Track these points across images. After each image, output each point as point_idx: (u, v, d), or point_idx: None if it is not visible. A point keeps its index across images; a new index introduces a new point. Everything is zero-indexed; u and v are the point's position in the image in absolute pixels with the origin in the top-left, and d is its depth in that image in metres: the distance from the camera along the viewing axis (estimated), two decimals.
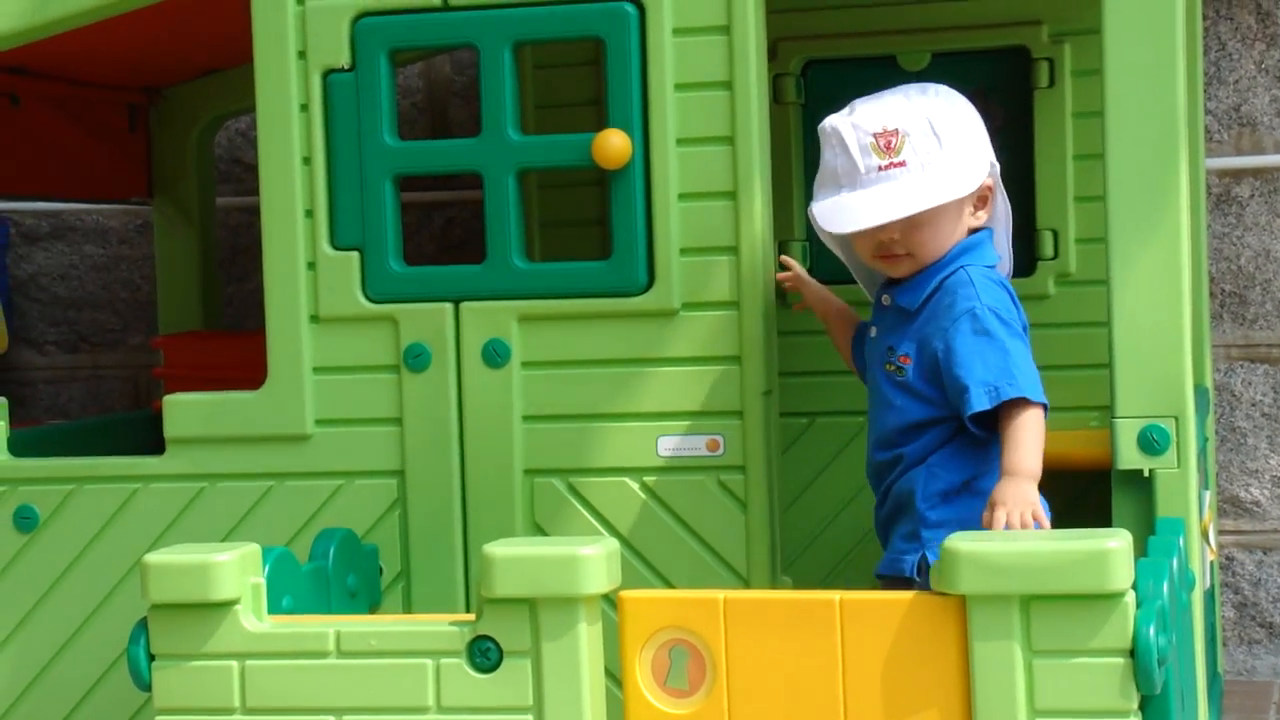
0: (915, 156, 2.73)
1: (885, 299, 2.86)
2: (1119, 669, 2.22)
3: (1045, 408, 2.71)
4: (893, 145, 2.73)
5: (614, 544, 2.45)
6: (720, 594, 2.41)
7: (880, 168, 2.73)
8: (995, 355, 2.69)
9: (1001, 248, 2.89)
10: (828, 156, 2.79)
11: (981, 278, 2.76)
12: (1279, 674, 4.32)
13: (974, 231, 2.84)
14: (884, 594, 2.34)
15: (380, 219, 3.04)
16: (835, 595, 2.35)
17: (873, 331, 2.89)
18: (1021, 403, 2.67)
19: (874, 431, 2.85)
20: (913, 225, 2.74)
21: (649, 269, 2.96)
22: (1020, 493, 2.63)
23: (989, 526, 2.60)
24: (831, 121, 2.79)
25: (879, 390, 2.83)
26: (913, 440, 2.77)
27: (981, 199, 2.83)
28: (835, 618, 2.34)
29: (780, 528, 3.01)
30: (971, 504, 2.74)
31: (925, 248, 2.77)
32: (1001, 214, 2.89)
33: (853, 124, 2.75)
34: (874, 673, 2.31)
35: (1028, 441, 2.67)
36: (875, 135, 2.73)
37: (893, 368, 2.80)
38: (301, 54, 3.04)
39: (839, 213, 2.76)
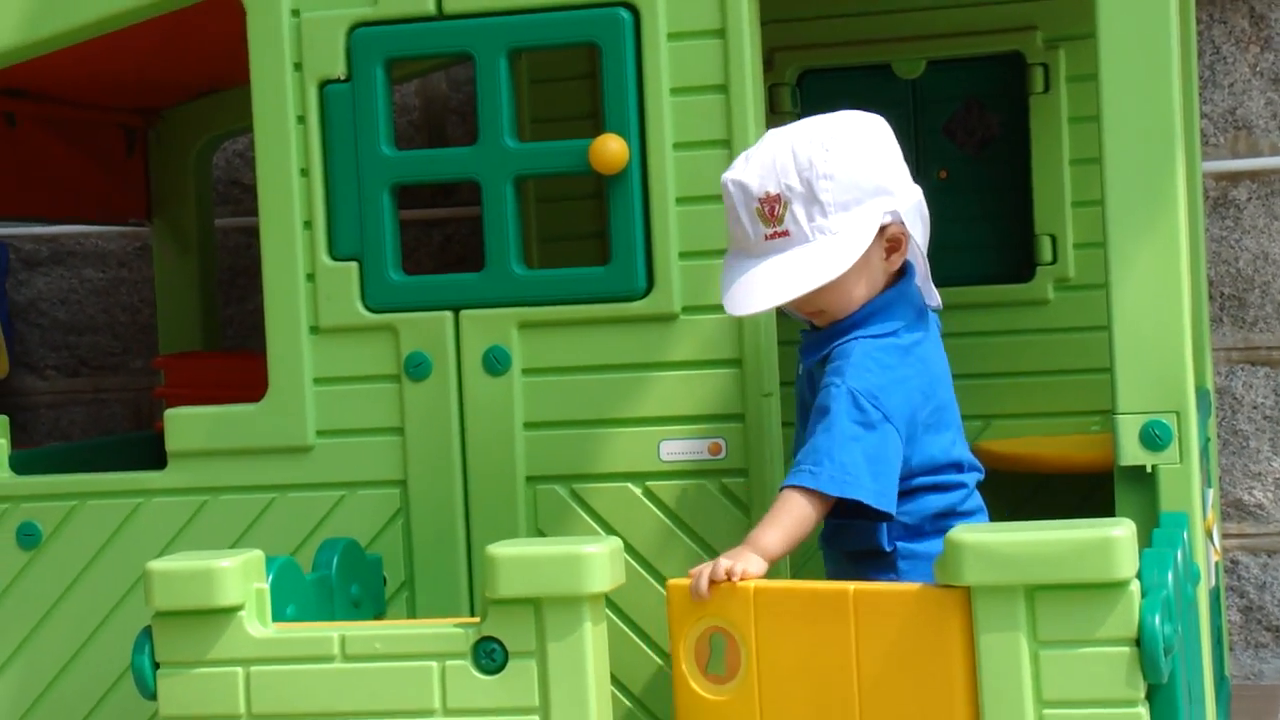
0: (797, 226, 2.60)
1: (801, 342, 2.78)
2: (1125, 658, 2.22)
3: (829, 500, 2.55)
4: (775, 212, 2.60)
5: (617, 543, 2.46)
6: (752, 583, 2.44)
7: (767, 236, 2.61)
8: (821, 437, 2.57)
9: (923, 283, 2.78)
10: (728, 215, 2.68)
11: (862, 355, 2.62)
12: None
13: (893, 276, 2.72)
14: (893, 585, 2.34)
15: (379, 229, 3.04)
16: (850, 586, 2.37)
17: (800, 368, 2.79)
18: (807, 490, 2.55)
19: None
20: (811, 293, 2.62)
21: (648, 274, 2.96)
22: (742, 555, 2.50)
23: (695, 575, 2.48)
24: (726, 179, 2.66)
25: (802, 430, 2.71)
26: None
27: (893, 242, 2.68)
28: (849, 608, 2.35)
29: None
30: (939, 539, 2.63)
31: (834, 307, 2.67)
32: (918, 255, 2.76)
33: (740, 186, 2.63)
34: (885, 663, 2.32)
35: (781, 523, 2.54)
36: (760, 201, 2.61)
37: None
38: (298, 65, 3.05)
39: (734, 292, 2.64)
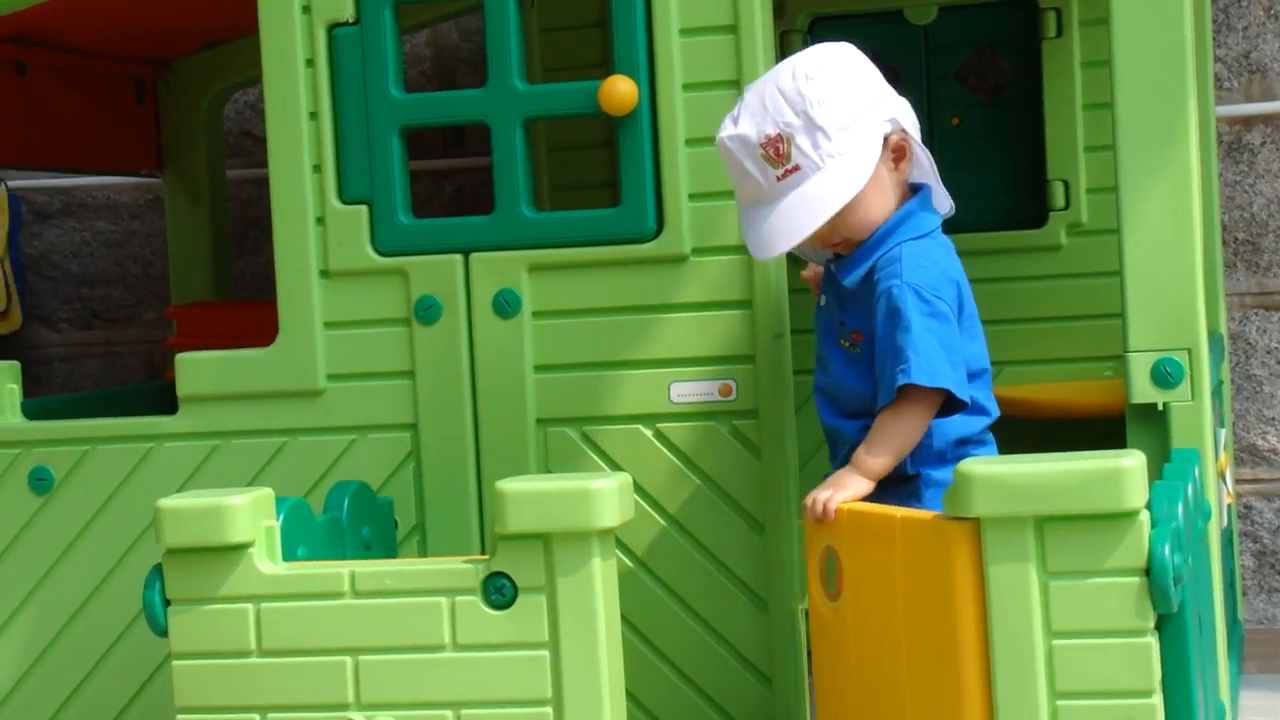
0: (805, 158, 2.62)
1: (832, 267, 2.79)
2: (1135, 588, 2.22)
3: (942, 390, 2.61)
4: (781, 151, 2.62)
5: (626, 478, 2.46)
6: (845, 505, 2.51)
7: (779, 177, 2.63)
8: (900, 338, 2.61)
9: (937, 188, 2.80)
10: (733, 174, 2.70)
11: (912, 254, 2.67)
12: None
13: (906, 189, 2.75)
14: (917, 513, 2.35)
15: (388, 172, 3.03)
16: (897, 512, 2.40)
17: (822, 300, 2.81)
18: (910, 390, 2.59)
19: (834, 398, 2.76)
20: (835, 218, 2.65)
21: (658, 215, 2.96)
22: (842, 481, 2.59)
23: (809, 505, 2.58)
24: (723, 138, 2.68)
25: (836, 360, 2.76)
26: (853, 422, 2.72)
27: (898, 151, 2.71)
28: (895, 534, 2.39)
29: (799, 476, 3.00)
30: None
31: (858, 229, 2.69)
32: (922, 156, 2.77)
33: (740, 140, 2.65)
34: (913, 590, 2.33)
35: (885, 439, 2.61)
36: (763, 146, 2.63)
37: (847, 343, 2.74)
38: (306, 9, 3.04)
39: (761, 237, 2.66)
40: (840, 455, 2.75)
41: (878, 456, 2.61)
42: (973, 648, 2.25)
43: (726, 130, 2.68)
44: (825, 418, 2.78)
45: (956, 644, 2.25)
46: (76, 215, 5.01)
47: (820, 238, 2.69)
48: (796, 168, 2.62)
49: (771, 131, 2.62)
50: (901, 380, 2.59)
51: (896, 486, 2.68)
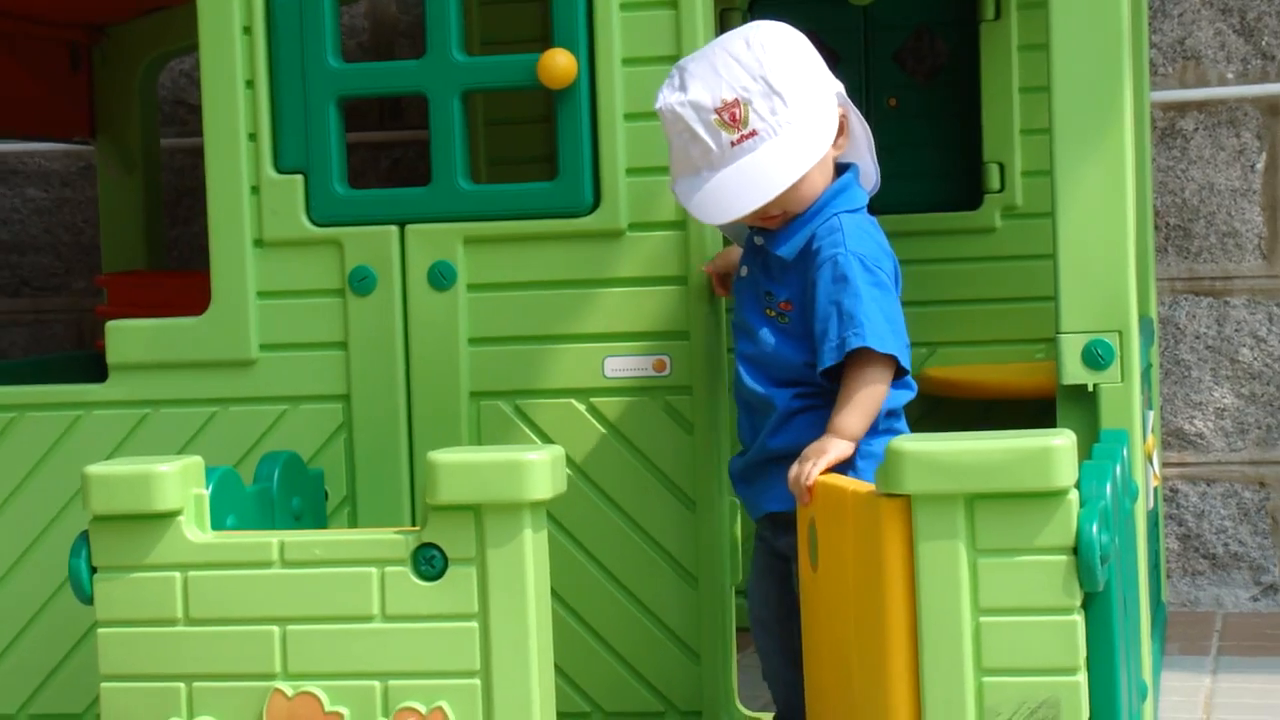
0: (764, 122, 2.62)
1: (758, 240, 2.77)
2: (1062, 566, 2.23)
3: (894, 357, 2.64)
4: (738, 117, 2.62)
5: (559, 450, 2.45)
6: (821, 477, 2.51)
7: (733, 143, 2.63)
8: (849, 303, 2.63)
9: (867, 166, 2.81)
10: (676, 142, 2.67)
11: (852, 225, 2.69)
12: (1221, 604, 4.35)
13: (839, 167, 2.77)
14: (865, 487, 2.36)
15: (324, 142, 3.02)
16: (849, 485, 2.41)
17: (743, 270, 2.80)
18: (864, 354, 2.61)
19: (763, 367, 2.75)
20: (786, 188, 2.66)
21: (595, 189, 2.96)
22: (822, 447, 2.59)
23: (792, 479, 2.58)
24: (668, 104, 2.66)
25: (764, 330, 2.74)
26: (811, 381, 2.71)
27: (839, 127, 2.73)
28: (847, 506, 2.40)
29: (731, 453, 3.01)
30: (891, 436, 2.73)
31: (799, 201, 2.70)
32: (860, 133, 2.79)
33: (691, 105, 2.63)
34: (859, 562, 2.34)
35: (857, 402, 2.63)
36: (717, 111, 2.62)
37: (774, 313, 2.74)
38: None
39: (712, 202, 2.65)
40: (765, 425, 2.73)
41: (851, 418, 2.62)
42: (901, 622, 2.26)
43: (673, 94, 2.66)
44: (753, 386, 2.75)
45: (886, 618, 2.26)
46: (7, 182, 4.96)
47: (761, 209, 2.68)
48: (754, 133, 2.63)
49: (728, 96, 2.63)
50: (856, 343, 2.61)
51: None
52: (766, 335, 2.74)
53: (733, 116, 2.62)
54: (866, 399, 2.63)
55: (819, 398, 2.70)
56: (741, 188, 2.64)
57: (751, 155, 2.63)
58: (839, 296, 2.64)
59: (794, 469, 2.58)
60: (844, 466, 2.65)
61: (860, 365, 2.63)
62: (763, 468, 2.74)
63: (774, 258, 2.74)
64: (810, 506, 2.53)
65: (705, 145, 2.64)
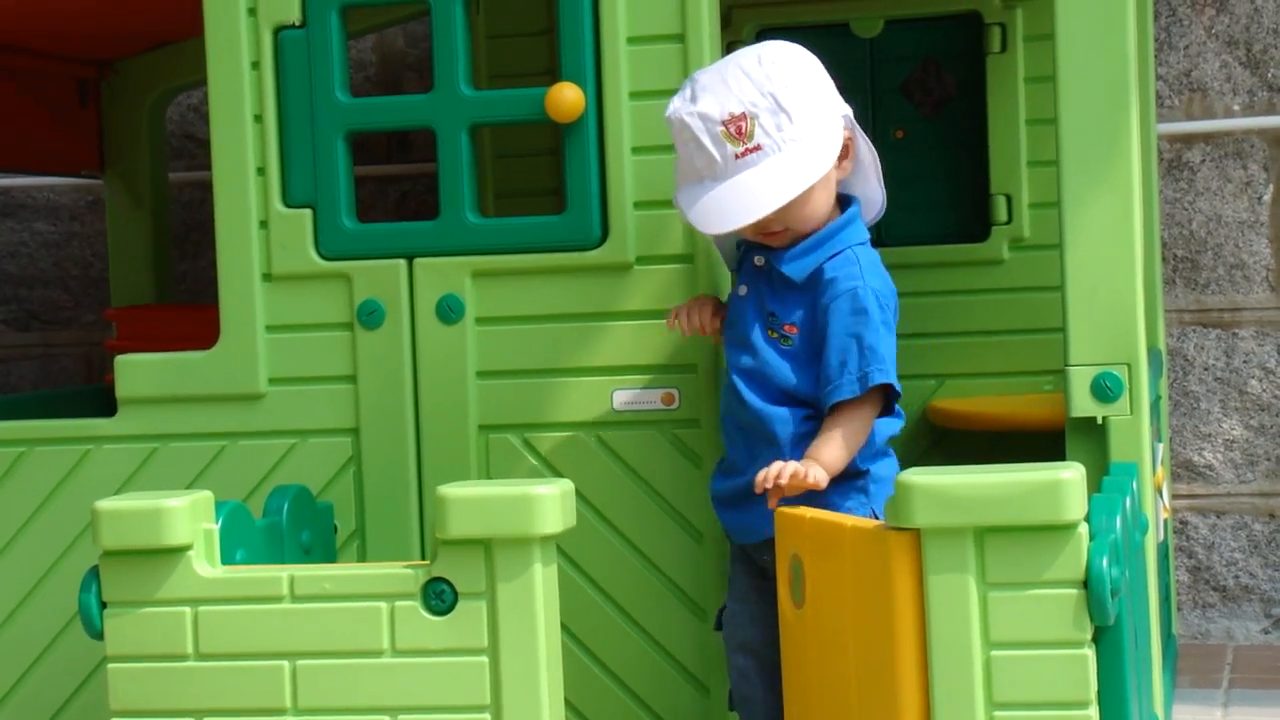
0: (769, 138, 2.65)
1: (759, 260, 2.77)
2: (1073, 600, 2.23)
3: (899, 395, 2.72)
4: (744, 130, 2.65)
5: (569, 484, 2.45)
6: (808, 512, 2.49)
7: (738, 155, 2.65)
8: (870, 337, 2.67)
9: (874, 191, 2.85)
10: (682, 151, 2.71)
11: (868, 259, 2.73)
12: (1232, 637, 4.34)
13: (845, 200, 2.79)
14: (869, 523, 2.35)
15: (333, 176, 3.03)
16: (847, 521, 2.40)
17: (742, 290, 2.79)
18: (873, 391, 2.66)
19: (764, 382, 2.74)
20: (787, 204, 2.68)
21: (603, 223, 2.96)
22: (804, 471, 2.61)
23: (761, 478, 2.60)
24: (677, 113, 2.69)
25: (765, 350, 2.75)
26: (792, 411, 2.72)
27: (844, 150, 2.76)
28: (845, 541, 2.38)
29: None
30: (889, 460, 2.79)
31: (802, 220, 2.72)
32: (867, 157, 2.82)
33: (699, 115, 2.66)
34: (861, 597, 2.34)
35: (847, 437, 2.66)
36: (724, 124, 2.65)
37: (776, 335, 2.74)
38: (252, 11, 3.03)
39: (712, 211, 2.67)
40: (766, 447, 2.72)
41: (839, 452, 2.65)
42: (912, 657, 2.25)
43: (682, 107, 2.69)
44: (754, 402, 2.74)
45: (896, 653, 2.26)
46: (15, 216, 4.97)
47: (762, 224, 2.70)
48: (758, 147, 2.65)
49: (736, 110, 2.65)
50: (880, 379, 2.65)
51: (849, 481, 2.71)
52: (768, 354, 2.74)
53: (739, 130, 2.65)
54: (856, 435, 2.67)
55: (820, 420, 2.71)
56: (742, 200, 2.66)
57: (754, 169, 2.65)
58: (859, 330, 2.67)
59: (770, 469, 2.58)
60: (859, 492, 2.67)
61: (863, 401, 2.66)
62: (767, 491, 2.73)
63: (780, 277, 2.75)
64: (793, 542, 2.52)
65: (710, 156, 2.67)
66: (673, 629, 2.96)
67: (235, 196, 3.05)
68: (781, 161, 2.66)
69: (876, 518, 2.67)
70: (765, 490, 2.61)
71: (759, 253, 2.78)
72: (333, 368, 3.04)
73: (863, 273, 2.71)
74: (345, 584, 2.45)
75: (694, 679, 2.96)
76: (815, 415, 2.72)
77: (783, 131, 2.66)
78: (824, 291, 2.71)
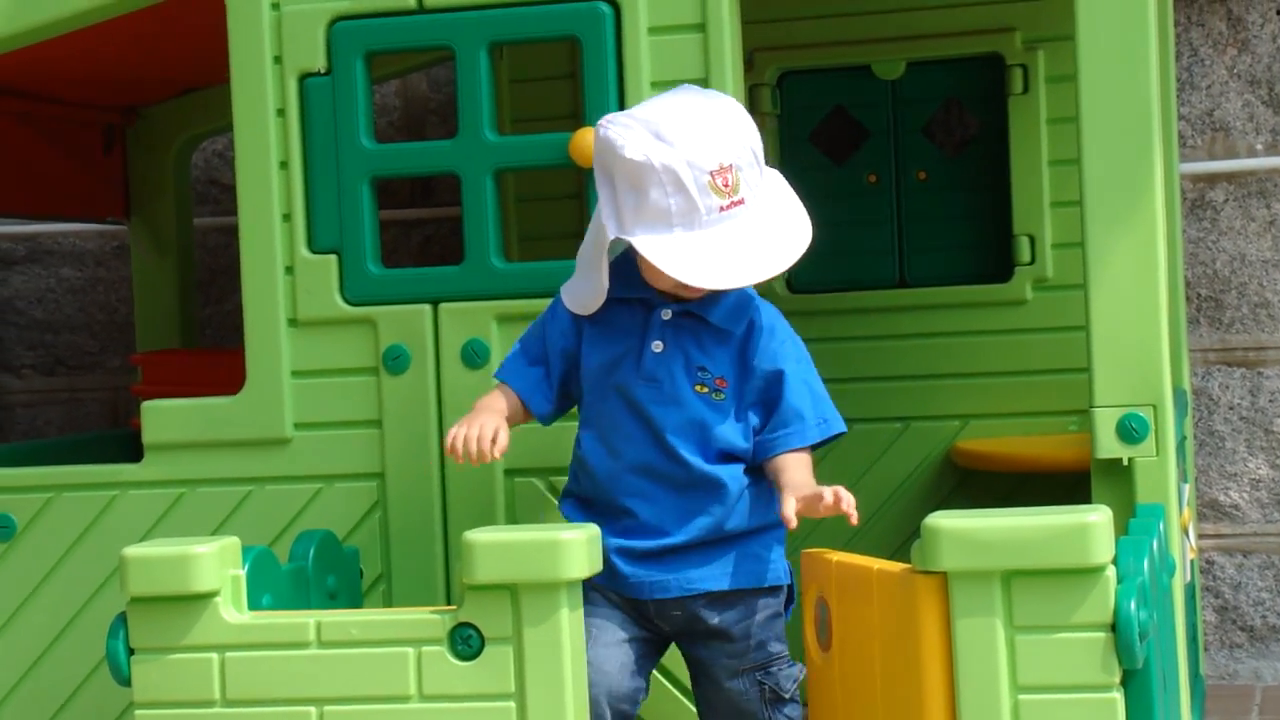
0: (750, 191, 2.57)
1: (667, 314, 2.66)
2: (1101, 644, 2.22)
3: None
4: (729, 183, 2.55)
5: (595, 529, 2.45)
6: (834, 555, 2.48)
7: (722, 208, 2.55)
8: (815, 383, 2.68)
9: None
10: (655, 195, 2.54)
11: (779, 314, 2.73)
12: (1260, 677, 4.32)
13: None
14: (896, 566, 2.35)
15: (358, 221, 3.04)
16: (874, 564, 2.40)
17: (657, 346, 2.66)
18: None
19: (703, 441, 2.65)
20: None
21: None
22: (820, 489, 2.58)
23: (815, 502, 2.52)
24: (660, 159, 2.53)
25: (693, 407, 2.65)
26: (733, 467, 2.66)
27: None
28: (872, 584, 2.39)
29: None
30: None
31: None
32: None
33: (687, 162, 2.53)
34: (888, 641, 2.34)
35: (810, 469, 2.66)
36: (713, 174, 2.54)
37: (708, 389, 2.66)
38: (278, 59, 3.05)
39: (701, 264, 2.55)
40: (696, 502, 2.65)
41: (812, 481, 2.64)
42: (940, 701, 2.25)
43: (655, 149, 2.54)
44: (695, 462, 2.65)
45: (924, 696, 2.25)
46: (41, 261, 4.99)
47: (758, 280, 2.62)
48: (741, 200, 2.58)
49: (726, 160, 2.56)
50: (839, 427, 2.67)
51: (772, 530, 2.69)
52: (703, 410, 2.66)
53: (725, 181, 2.56)
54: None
55: (750, 473, 2.69)
56: (745, 257, 2.57)
57: (735, 222, 2.57)
58: (807, 375, 2.68)
59: (832, 492, 2.50)
60: (780, 542, 2.69)
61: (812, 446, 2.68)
62: (713, 545, 2.67)
63: (708, 330, 2.67)
64: (818, 585, 2.51)
65: (691, 204, 2.54)
66: None
67: (261, 242, 3.06)
68: (764, 217, 2.60)
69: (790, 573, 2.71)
70: (845, 513, 2.51)
71: (667, 307, 2.67)
72: (358, 413, 3.05)
73: (777, 314, 2.70)
74: (372, 629, 2.45)
75: None
76: (757, 468, 2.69)
77: (758, 186, 2.60)
78: (760, 339, 2.66)
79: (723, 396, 2.66)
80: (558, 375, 2.74)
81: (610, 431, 2.69)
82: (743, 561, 2.67)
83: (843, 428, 2.68)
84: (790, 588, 2.71)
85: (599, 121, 2.62)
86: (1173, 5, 4.00)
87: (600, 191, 2.62)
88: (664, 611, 2.69)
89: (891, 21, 3.96)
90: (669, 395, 2.66)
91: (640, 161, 2.55)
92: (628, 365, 2.68)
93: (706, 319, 2.67)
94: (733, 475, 2.66)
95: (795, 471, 2.62)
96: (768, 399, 2.66)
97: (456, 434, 2.65)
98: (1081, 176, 2.72)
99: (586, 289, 2.70)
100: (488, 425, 2.66)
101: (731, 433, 2.66)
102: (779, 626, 2.70)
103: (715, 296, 2.66)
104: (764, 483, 2.68)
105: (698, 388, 2.66)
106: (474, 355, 3.00)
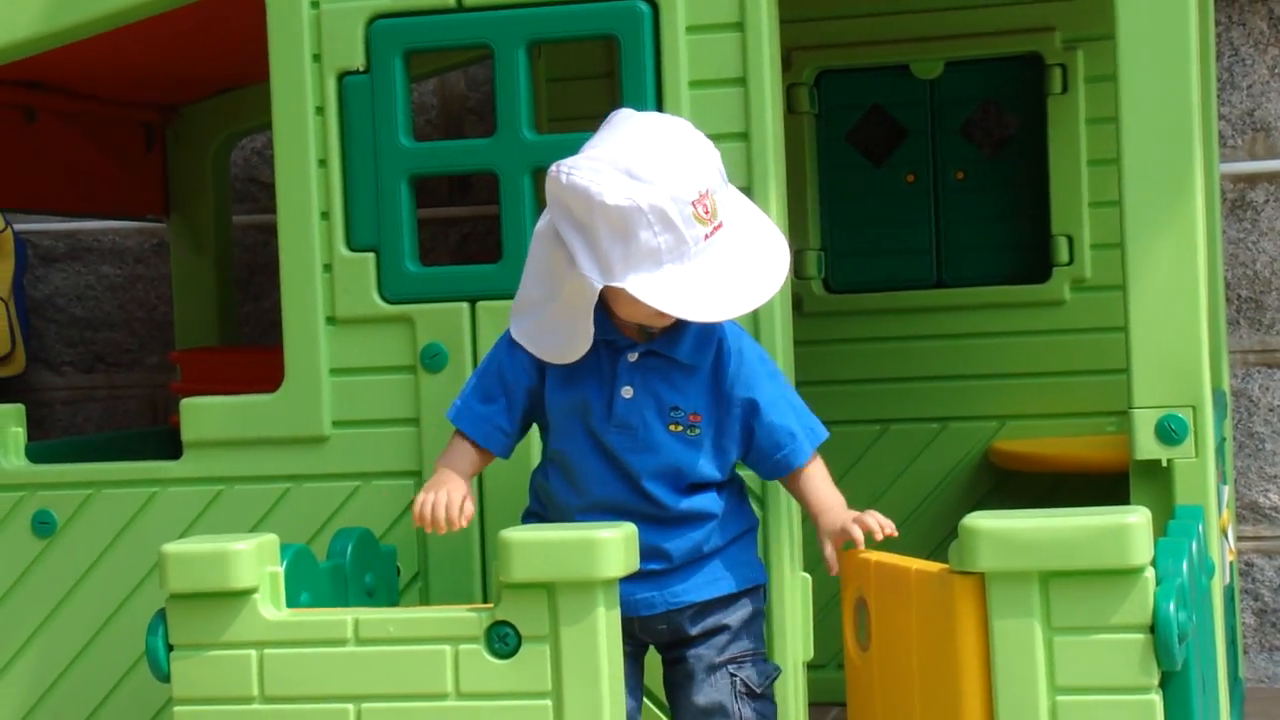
0: (726, 212, 2.54)
1: (633, 356, 2.63)
2: (1139, 645, 2.21)
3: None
4: (709, 208, 2.51)
5: (631, 527, 2.45)
6: (873, 555, 2.49)
7: (706, 235, 2.50)
8: (793, 397, 2.69)
9: None
10: (645, 237, 2.47)
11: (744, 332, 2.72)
12: None
13: None
14: (934, 566, 2.35)
15: (396, 220, 3.04)
16: (913, 564, 2.40)
17: (627, 392, 2.63)
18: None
19: (674, 479, 2.65)
20: None
21: None
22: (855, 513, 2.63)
23: (859, 529, 2.57)
24: (645, 200, 2.46)
25: (668, 449, 2.63)
26: (708, 495, 2.67)
27: None
28: (910, 584, 2.39)
29: (799, 524, 3.00)
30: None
31: None
32: None
33: (671, 198, 2.46)
34: (926, 642, 2.33)
35: (830, 479, 2.69)
36: (694, 203, 2.49)
37: (682, 428, 2.63)
38: (316, 57, 3.05)
39: (699, 296, 2.50)
40: (676, 528, 2.66)
41: (838, 493, 2.69)
42: (977, 701, 2.25)
43: (638, 191, 2.46)
44: (670, 502, 2.65)
45: (961, 697, 2.25)
46: (81, 259, 5.02)
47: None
48: (720, 224, 2.54)
49: (702, 187, 2.51)
50: (824, 435, 2.69)
51: (748, 534, 2.75)
52: (673, 450, 2.65)
53: (706, 209, 2.51)
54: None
55: (725, 488, 2.70)
56: (728, 284, 2.52)
57: (717, 248, 2.53)
58: (784, 392, 2.68)
59: (871, 518, 2.57)
60: (753, 545, 2.75)
61: (817, 454, 2.70)
62: (695, 561, 2.69)
63: (677, 367, 2.64)
64: (857, 585, 2.52)
65: (680, 237, 2.49)
66: None
67: (300, 240, 3.07)
68: (742, 238, 2.56)
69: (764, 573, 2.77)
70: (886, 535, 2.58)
71: (633, 349, 2.64)
72: (396, 410, 3.05)
73: (741, 332, 2.68)
74: (409, 627, 2.46)
75: None
76: (726, 484, 2.71)
77: (730, 205, 2.57)
78: (730, 365, 2.64)
79: (698, 431, 2.65)
80: (520, 410, 2.72)
81: (580, 475, 2.68)
82: (725, 569, 2.70)
83: (826, 434, 2.70)
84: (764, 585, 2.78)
85: (554, 168, 2.53)
86: (1214, 5, 3.99)
87: (570, 240, 2.53)
88: (650, 626, 2.71)
89: (930, 21, 3.95)
90: (643, 442, 2.65)
91: (626, 206, 2.47)
92: (597, 412, 2.65)
93: (674, 357, 2.63)
94: (710, 502, 2.68)
95: (821, 495, 2.67)
96: (748, 425, 2.66)
97: (424, 501, 2.64)
98: (1121, 177, 2.71)
99: (559, 341, 2.63)
100: (455, 494, 2.65)
101: (706, 467, 2.66)
102: (758, 624, 2.73)
103: (678, 330, 2.62)
104: (736, 492, 2.72)
105: (672, 427, 2.65)
106: None
